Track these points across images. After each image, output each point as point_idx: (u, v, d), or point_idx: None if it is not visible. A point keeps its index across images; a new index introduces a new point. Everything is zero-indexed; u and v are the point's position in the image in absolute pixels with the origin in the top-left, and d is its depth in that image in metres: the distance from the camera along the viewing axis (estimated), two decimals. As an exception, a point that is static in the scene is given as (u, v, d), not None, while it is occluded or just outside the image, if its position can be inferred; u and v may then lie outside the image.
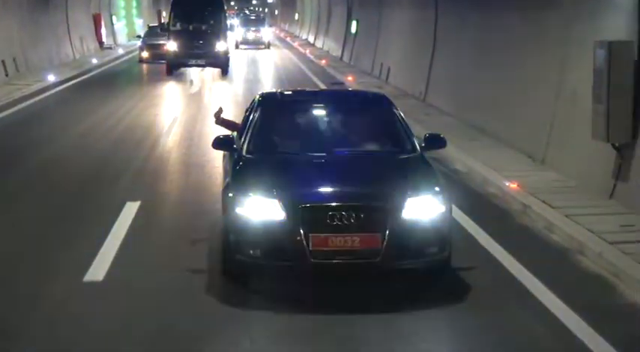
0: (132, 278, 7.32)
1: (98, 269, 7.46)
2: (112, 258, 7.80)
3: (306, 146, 7.98)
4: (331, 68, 29.61)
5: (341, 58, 33.52)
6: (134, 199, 10.00)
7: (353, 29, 31.54)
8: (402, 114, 8.51)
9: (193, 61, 27.93)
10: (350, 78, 25.06)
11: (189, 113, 18.23)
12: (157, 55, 31.70)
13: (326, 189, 7.08)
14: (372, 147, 8.21)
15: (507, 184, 10.51)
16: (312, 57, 36.12)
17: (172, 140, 14.75)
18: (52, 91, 22.60)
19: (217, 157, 11.14)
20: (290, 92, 10.87)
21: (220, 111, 9.75)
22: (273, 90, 9.35)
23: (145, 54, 33.48)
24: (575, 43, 11.17)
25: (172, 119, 17.16)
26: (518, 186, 10.37)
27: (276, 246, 6.83)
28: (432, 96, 18.94)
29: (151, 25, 43.17)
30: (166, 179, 11.65)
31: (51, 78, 24.60)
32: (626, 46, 9.43)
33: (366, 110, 8.82)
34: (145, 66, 31.95)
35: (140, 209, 9.63)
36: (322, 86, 23.54)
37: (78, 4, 35.37)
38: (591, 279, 7.42)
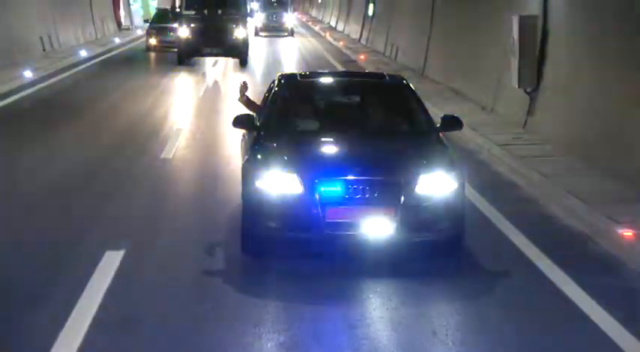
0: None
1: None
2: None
3: (323, 124, 9.57)
4: (347, 49, 35.89)
5: (359, 40, 39.78)
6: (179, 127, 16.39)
7: (370, 11, 37.78)
8: (418, 96, 10.11)
9: (208, 50, 28.38)
10: (362, 57, 31.32)
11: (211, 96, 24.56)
12: (167, 42, 32.36)
13: (341, 164, 8.54)
14: (388, 126, 9.83)
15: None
16: (331, 39, 42.49)
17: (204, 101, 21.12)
18: (87, 64, 29.09)
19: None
20: (309, 73, 12.53)
21: (245, 87, 10.84)
22: (294, 72, 11.55)
23: (153, 41, 33.71)
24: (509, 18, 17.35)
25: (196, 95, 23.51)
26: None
27: (294, 218, 8.25)
28: (428, 69, 25.19)
29: (159, 7, 44.81)
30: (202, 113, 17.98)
31: (83, 53, 31.11)
32: (532, 19, 15.58)
33: (383, 91, 10.42)
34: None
35: (185, 132, 16.01)
36: (337, 65, 29.73)
37: (100, -15, 41.97)
38: (479, 163, 13.57)
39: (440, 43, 24.54)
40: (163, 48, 32.54)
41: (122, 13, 47.75)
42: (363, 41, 38.96)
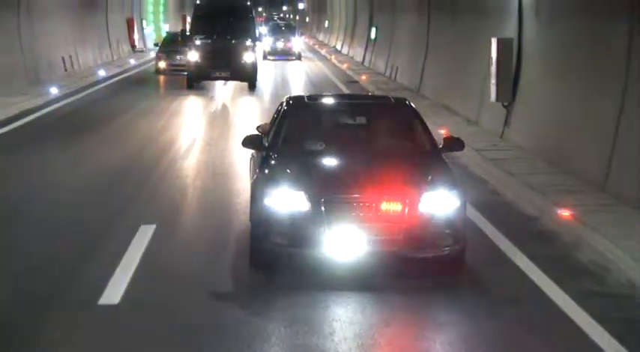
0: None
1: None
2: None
3: (329, 145, 9.93)
4: (351, 70, 37.98)
5: (362, 63, 41.87)
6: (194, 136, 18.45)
7: (372, 35, 39.89)
8: (422, 117, 10.61)
9: (217, 74, 28.76)
10: (364, 77, 33.38)
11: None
12: (176, 65, 33.04)
13: (347, 183, 8.94)
14: (392, 146, 10.22)
15: (440, 131, 18.70)
16: (334, 61, 44.63)
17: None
18: (106, 83, 31.22)
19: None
20: (316, 95, 12.66)
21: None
22: (301, 95, 12.24)
23: (162, 64, 34.14)
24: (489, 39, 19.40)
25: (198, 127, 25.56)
26: (445, 132, 18.56)
27: (301, 235, 8.65)
28: (423, 88, 27.25)
29: (169, 31, 46.10)
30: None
31: (102, 73, 33.26)
32: (508, 41, 17.61)
33: (387, 113, 10.84)
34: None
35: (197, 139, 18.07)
36: (340, 85, 31.77)
37: (116, 9, 44.17)
38: (458, 166, 15.52)
39: (434, 64, 26.59)
40: (172, 71, 33.16)
41: (136, 36, 49.95)
42: (366, 63, 41.03)
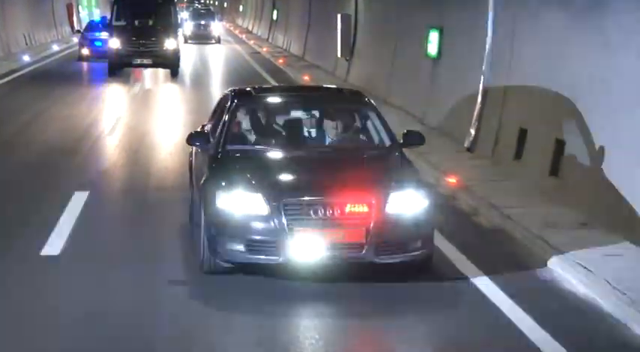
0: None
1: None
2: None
3: (282, 141, 9.45)
4: (255, 45, 46.79)
5: (267, 39, 50.67)
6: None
7: (274, 17, 48.75)
8: (378, 110, 9.92)
9: (138, 61, 28.56)
10: (265, 49, 42.24)
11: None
12: (99, 52, 32.51)
13: (309, 184, 8.36)
14: (351, 142, 9.74)
15: (304, 78, 27.69)
16: (244, 38, 53.56)
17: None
18: (62, 53, 39.63)
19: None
20: (262, 87, 12.13)
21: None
22: (245, 86, 11.23)
23: (86, 51, 34.09)
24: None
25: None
26: (308, 78, 27.56)
27: (260, 241, 8.10)
28: (306, 54, 36.24)
29: (91, 19, 47.22)
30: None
31: (55, 47, 41.69)
32: (348, 16, 26.67)
33: (342, 105, 10.24)
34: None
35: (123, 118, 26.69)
36: (246, 56, 40.42)
37: (59, -4, 52.41)
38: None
39: (312, 37, 35.70)
40: (97, 58, 32.98)
41: (75, 19, 58.10)
42: (270, 40, 49.87)
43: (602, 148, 10.68)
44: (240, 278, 8.64)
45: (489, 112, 14.73)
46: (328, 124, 10.06)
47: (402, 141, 9.59)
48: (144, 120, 19.88)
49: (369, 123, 9.81)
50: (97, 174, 13.76)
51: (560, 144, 11.87)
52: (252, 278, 8.62)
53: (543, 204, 11.30)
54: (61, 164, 14.45)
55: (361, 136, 9.84)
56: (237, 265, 8.51)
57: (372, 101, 10.31)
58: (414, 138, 9.65)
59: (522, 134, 13.22)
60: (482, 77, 14.97)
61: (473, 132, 15.09)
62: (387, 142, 9.54)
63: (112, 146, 16.43)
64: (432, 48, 18.10)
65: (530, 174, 12.57)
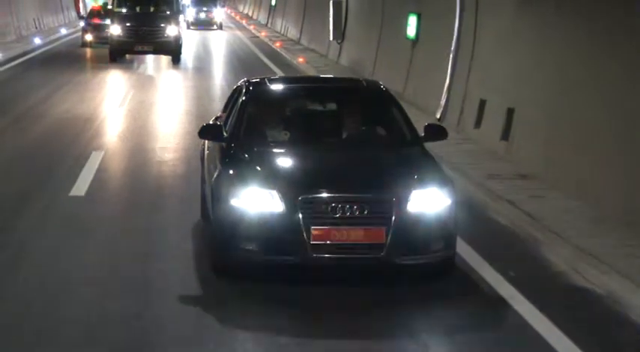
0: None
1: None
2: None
3: (299, 135, 8.93)
4: (255, 30, 48.73)
5: (267, 25, 52.60)
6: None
7: (273, 3, 50.68)
8: (399, 102, 9.58)
9: (140, 48, 28.44)
10: (263, 33, 44.18)
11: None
12: (102, 37, 32.21)
13: (327, 180, 7.90)
14: (371, 137, 9.24)
15: (299, 60, 29.64)
16: (244, 24, 55.54)
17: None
18: (70, 36, 41.55)
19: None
20: (277, 78, 11.78)
21: None
22: (259, 77, 10.62)
23: (89, 37, 34.21)
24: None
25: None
26: (303, 60, 29.50)
27: (275, 240, 7.66)
28: (302, 39, 38.22)
29: (95, 4, 46.66)
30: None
31: (63, 31, 43.67)
32: (339, 3, 28.62)
33: (362, 98, 9.79)
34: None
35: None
36: (246, 41, 42.33)
37: (66, -17, 54.35)
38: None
39: (308, 22, 37.63)
40: (100, 43, 32.99)
41: (81, 5, 60.08)
42: (269, 25, 51.79)
43: (542, 114, 12.68)
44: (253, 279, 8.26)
45: (456, 87, 16.71)
46: (346, 117, 9.50)
47: (423, 134, 9.16)
48: (151, 95, 21.93)
49: (388, 116, 9.41)
50: (110, 138, 15.88)
51: (510, 113, 13.83)
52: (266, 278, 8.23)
53: (491, 162, 13.30)
54: (78, 129, 16.42)
55: (381, 130, 9.45)
56: (250, 265, 8.11)
57: (390, 92, 9.92)
58: (435, 132, 9.23)
59: (482, 104, 15.20)
60: (451, 56, 16.98)
61: (442, 104, 17.11)
62: (408, 136, 9.12)
63: (122, 115, 18.51)
64: (411, 30, 20.04)
65: (486, 139, 14.56)
